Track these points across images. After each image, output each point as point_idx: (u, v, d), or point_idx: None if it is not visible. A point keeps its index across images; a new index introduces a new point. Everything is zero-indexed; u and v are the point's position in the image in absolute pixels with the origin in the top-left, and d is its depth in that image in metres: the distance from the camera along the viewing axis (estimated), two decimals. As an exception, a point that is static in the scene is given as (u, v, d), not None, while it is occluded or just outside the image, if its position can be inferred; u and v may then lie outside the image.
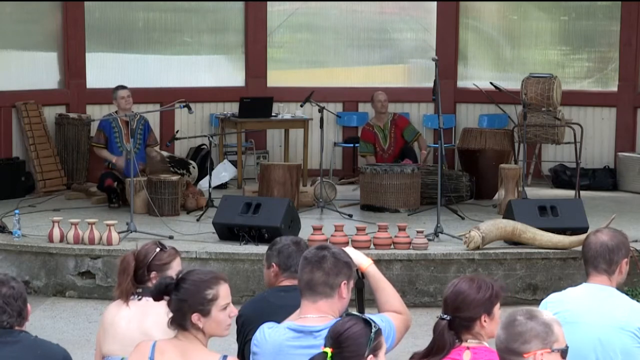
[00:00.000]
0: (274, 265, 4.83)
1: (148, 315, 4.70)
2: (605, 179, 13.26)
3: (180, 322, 4.00)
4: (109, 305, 4.96)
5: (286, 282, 4.80)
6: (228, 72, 14.26)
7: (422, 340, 7.84)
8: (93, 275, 9.45)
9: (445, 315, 3.95)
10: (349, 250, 4.27)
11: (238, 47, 14.14)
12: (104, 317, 4.90)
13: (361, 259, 4.29)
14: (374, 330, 3.61)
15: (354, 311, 3.88)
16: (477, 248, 9.32)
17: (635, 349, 4.50)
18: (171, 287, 4.00)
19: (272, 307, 4.59)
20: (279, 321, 4.16)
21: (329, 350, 3.54)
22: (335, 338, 3.56)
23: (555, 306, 4.65)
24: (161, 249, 4.90)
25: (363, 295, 4.27)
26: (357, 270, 4.25)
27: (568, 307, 4.62)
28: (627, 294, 4.79)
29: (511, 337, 3.52)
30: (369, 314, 3.76)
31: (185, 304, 3.97)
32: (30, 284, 9.42)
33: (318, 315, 4.04)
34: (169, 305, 4.02)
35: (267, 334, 4.11)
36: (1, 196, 11.64)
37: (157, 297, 4.06)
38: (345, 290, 4.08)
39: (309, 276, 4.06)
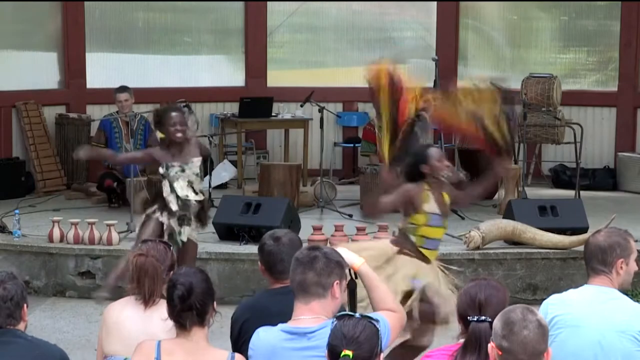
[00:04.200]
0: (259, 263, 4.82)
1: (153, 316, 4.68)
2: (605, 179, 13.26)
3: (202, 318, 4.15)
4: (111, 305, 4.93)
5: (279, 284, 4.73)
6: (228, 72, 14.25)
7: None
8: (93, 275, 9.45)
9: (484, 318, 3.88)
10: (341, 250, 4.27)
11: (238, 47, 14.14)
12: (107, 316, 4.86)
13: (353, 259, 4.27)
14: (380, 329, 3.62)
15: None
16: (477, 248, 9.32)
17: (637, 353, 4.48)
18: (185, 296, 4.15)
19: (268, 312, 4.54)
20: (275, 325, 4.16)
21: (350, 352, 3.54)
22: (354, 340, 3.56)
23: (557, 308, 4.63)
24: (169, 247, 4.90)
25: (355, 295, 4.27)
26: (349, 270, 4.24)
27: (569, 310, 4.59)
28: (627, 295, 4.77)
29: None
30: (365, 313, 3.76)
31: (210, 299, 4.19)
32: (30, 284, 9.41)
33: (311, 317, 4.04)
34: (183, 311, 4.15)
35: (262, 336, 4.12)
36: (1, 196, 11.64)
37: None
38: (338, 290, 4.08)
39: (301, 277, 4.06)
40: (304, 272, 4.05)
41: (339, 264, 4.10)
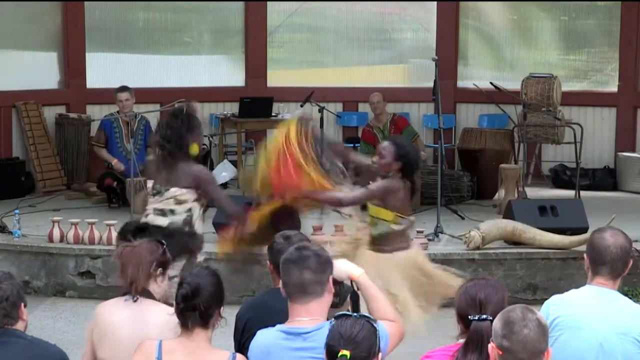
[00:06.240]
0: (268, 262, 4.83)
1: (148, 318, 4.62)
2: (605, 179, 13.26)
3: (206, 321, 4.15)
4: (103, 304, 4.78)
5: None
6: (228, 72, 14.25)
7: (423, 340, 7.82)
8: (93, 275, 9.45)
9: (485, 316, 3.88)
10: (340, 261, 4.27)
11: (238, 47, 14.14)
12: (100, 318, 4.73)
13: (352, 270, 4.27)
14: (378, 328, 3.63)
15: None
16: (477, 248, 9.33)
17: (638, 355, 4.46)
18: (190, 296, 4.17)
19: (271, 310, 4.55)
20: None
21: (347, 352, 3.53)
22: (351, 339, 3.55)
23: (558, 309, 4.61)
24: (162, 244, 4.88)
25: (358, 307, 4.26)
26: (350, 281, 4.25)
27: (570, 312, 4.57)
28: (627, 295, 4.77)
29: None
30: (363, 313, 3.76)
31: (215, 304, 4.18)
32: (30, 284, 9.41)
33: (309, 318, 4.04)
34: (186, 310, 4.16)
35: (258, 337, 4.14)
36: (1, 196, 11.64)
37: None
38: (331, 285, 4.10)
39: (299, 277, 4.05)
40: (300, 272, 4.04)
41: (329, 259, 4.12)
